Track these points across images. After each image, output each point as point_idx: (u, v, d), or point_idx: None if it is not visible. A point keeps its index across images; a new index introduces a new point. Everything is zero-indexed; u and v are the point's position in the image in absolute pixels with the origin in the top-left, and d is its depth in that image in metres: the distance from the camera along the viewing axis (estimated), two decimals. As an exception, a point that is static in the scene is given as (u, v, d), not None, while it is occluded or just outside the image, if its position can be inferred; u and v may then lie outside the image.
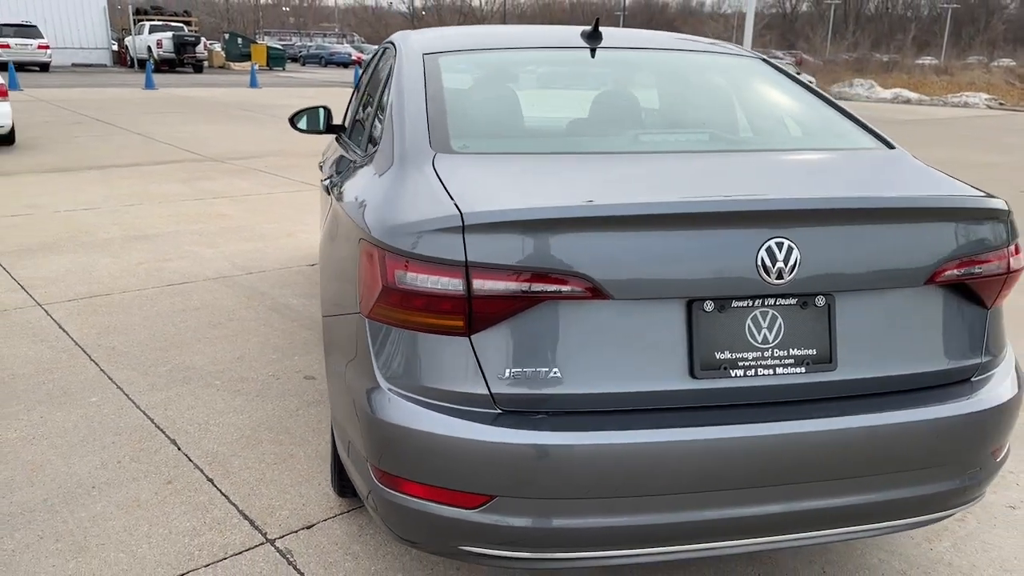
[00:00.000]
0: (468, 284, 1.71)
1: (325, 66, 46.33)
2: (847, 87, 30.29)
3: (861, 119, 2.60)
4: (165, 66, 31.55)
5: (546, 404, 1.77)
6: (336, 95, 22.32)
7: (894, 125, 17.89)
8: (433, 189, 1.90)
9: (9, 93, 10.94)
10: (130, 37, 34.04)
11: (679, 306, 1.79)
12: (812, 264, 1.81)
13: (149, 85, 22.22)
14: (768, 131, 2.69)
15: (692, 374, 1.80)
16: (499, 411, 1.77)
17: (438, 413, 1.77)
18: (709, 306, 1.80)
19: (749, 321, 1.83)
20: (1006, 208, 2.01)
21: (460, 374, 1.77)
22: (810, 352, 1.86)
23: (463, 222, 1.71)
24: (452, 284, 1.72)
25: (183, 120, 14.91)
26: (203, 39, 33.11)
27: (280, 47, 41.14)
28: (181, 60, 31.62)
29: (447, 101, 2.39)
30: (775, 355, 1.84)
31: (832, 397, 1.89)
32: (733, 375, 1.82)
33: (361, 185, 2.31)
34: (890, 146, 2.46)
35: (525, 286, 1.71)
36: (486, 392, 1.76)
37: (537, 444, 1.73)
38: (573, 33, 2.89)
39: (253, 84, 24.48)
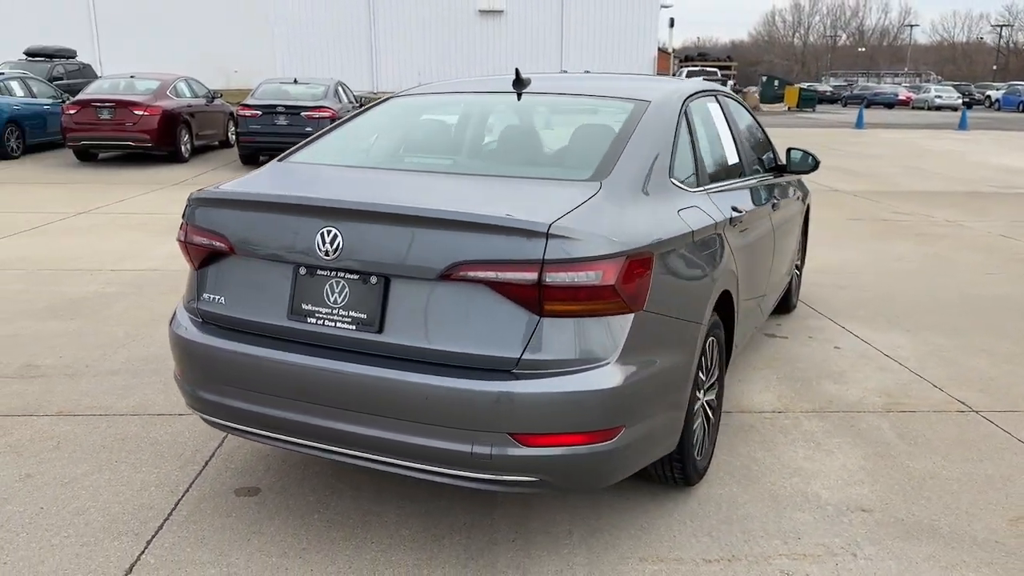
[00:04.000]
0: (186, 235, 2.82)
1: (868, 107, 44.73)
2: None
3: (619, 161, 2.83)
4: (692, 107, 34.68)
5: (216, 320, 2.77)
6: (800, 136, 22.16)
7: None
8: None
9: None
10: (671, 81, 38.08)
11: (291, 267, 2.61)
12: (356, 249, 2.47)
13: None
14: (515, 161, 3.14)
15: (287, 317, 2.61)
16: (201, 320, 2.83)
17: (185, 321, 2.89)
18: (303, 271, 2.59)
19: (327, 286, 2.55)
20: (543, 231, 2.30)
21: (191, 295, 2.87)
22: (363, 316, 2.50)
23: (191, 198, 2.82)
24: (183, 236, 2.84)
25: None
26: (729, 82, 35.30)
27: (811, 89, 41.27)
28: (708, 102, 34.34)
29: (344, 127, 3.43)
30: (339, 314, 2.53)
31: (375, 353, 2.48)
32: (309, 322, 2.57)
33: None
34: (601, 179, 2.71)
35: (200, 239, 2.76)
36: (196, 308, 2.83)
37: (198, 343, 2.74)
38: (507, 81, 3.57)
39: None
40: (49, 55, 24.51)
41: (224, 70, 35.37)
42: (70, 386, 4.13)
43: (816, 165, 4.89)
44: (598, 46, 38.59)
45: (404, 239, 2.44)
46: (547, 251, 2.32)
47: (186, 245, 2.84)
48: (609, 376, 2.40)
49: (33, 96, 15.61)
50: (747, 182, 3.94)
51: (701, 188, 3.26)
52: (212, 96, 16.41)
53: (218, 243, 2.74)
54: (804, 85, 45.86)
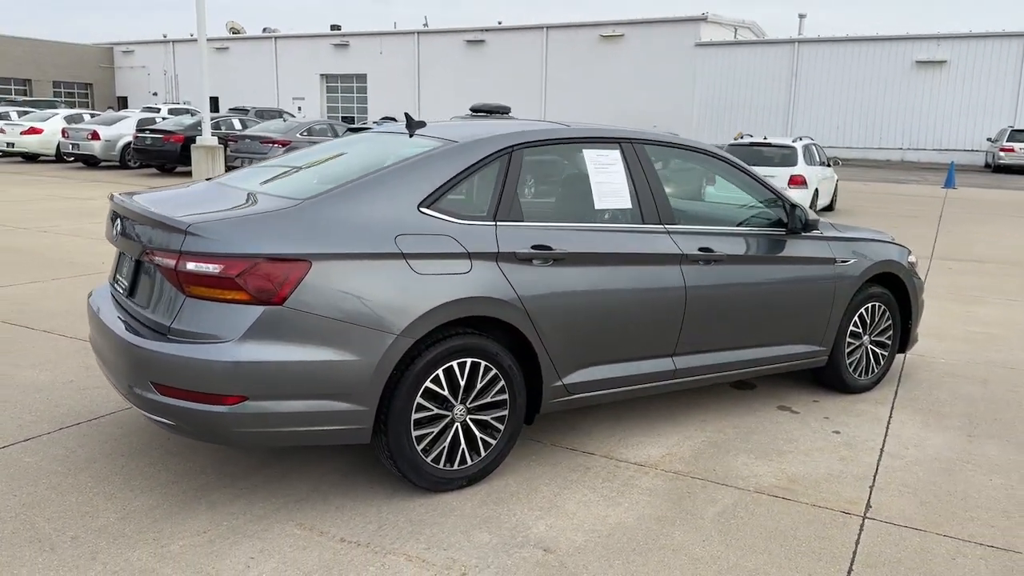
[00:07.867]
0: None
1: None
2: None
3: (342, 187, 3.35)
4: None
5: (113, 290, 3.96)
6: None
7: None
8: None
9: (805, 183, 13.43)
10: None
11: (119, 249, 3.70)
12: (123, 236, 3.43)
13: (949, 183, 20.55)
14: (312, 184, 3.61)
15: (111, 283, 3.68)
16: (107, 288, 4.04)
17: (96, 291, 4.11)
18: (122, 252, 3.64)
19: (124, 262, 3.57)
20: (183, 229, 3.02)
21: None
22: (127, 285, 3.46)
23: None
24: None
25: (971, 220, 14.39)
26: None
27: None
28: None
29: (286, 156, 4.39)
30: (123, 283, 3.53)
31: (130, 313, 3.40)
32: (115, 288, 3.61)
33: None
34: (308, 199, 3.27)
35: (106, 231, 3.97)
36: (108, 280, 4.06)
37: (89, 304, 3.93)
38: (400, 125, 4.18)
39: None
40: (488, 111, 29.18)
41: (642, 124, 38.11)
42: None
43: (805, 225, 4.50)
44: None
45: (135, 230, 3.36)
46: (184, 244, 3.05)
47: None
48: (224, 352, 3.00)
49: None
50: (624, 227, 3.93)
51: (489, 223, 3.52)
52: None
53: (112, 238, 3.93)
54: None
